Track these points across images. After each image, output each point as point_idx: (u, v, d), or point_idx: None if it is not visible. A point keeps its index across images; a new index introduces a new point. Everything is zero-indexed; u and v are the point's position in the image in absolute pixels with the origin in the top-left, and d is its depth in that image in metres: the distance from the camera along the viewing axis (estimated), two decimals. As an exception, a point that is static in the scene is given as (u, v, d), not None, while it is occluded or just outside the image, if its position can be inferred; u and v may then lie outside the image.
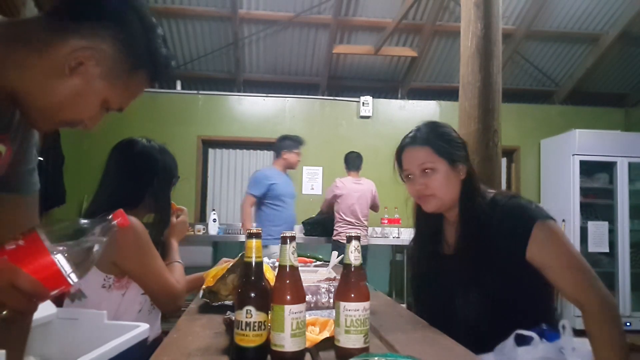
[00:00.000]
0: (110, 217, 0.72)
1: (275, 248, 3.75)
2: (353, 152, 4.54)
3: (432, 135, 1.34)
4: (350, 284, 0.91)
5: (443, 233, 1.41)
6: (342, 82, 5.68)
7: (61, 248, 0.63)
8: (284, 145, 4.07)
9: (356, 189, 4.36)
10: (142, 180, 1.48)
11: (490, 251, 1.24)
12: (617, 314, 1.13)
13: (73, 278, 0.64)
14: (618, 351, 1.08)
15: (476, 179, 1.36)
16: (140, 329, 0.90)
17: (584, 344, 1.07)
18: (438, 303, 1.36)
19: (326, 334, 0.99)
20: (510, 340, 0.95)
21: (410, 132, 1.40)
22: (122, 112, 0.88)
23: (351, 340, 0.88)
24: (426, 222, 1.42)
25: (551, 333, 1.08)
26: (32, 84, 0.77)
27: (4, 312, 0.62)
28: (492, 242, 1.24)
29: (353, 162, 4.48)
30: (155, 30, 0.85)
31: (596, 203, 5.02)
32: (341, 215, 4.31)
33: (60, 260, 0.62)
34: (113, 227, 0.72)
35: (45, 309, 0.80)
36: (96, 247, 0.68)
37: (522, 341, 1.05)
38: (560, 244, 1.20)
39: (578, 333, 1.02)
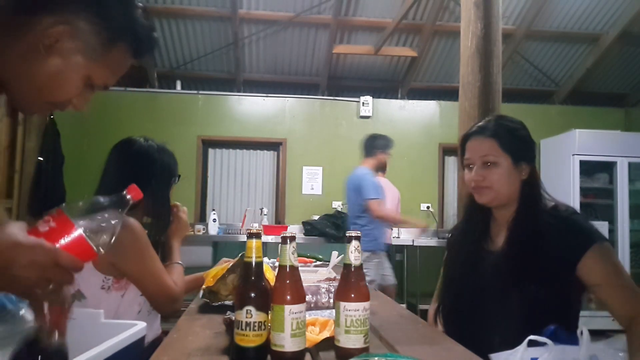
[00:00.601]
0: (124, 192, 0.76)
1: (381, 255, 3.68)
2: None
3: (501, 129, 1.31)
4: (350, 284, 0.91)
5: (490, 229, 1.38)
6: (342, 82, 5.68)
7: (86, 224, 0.70)
8: (378, 144, 3.85)
9: (389, 188, 4.37)
10: (140, 180, 1.47)
11: (539, 257, 1.22)
12: None
13: (101, 250, 0.71)
14: None
15: (539, 182, 1.32)
16: (136, 328, 0.89)
17: (603, 349, 1.05)
18: (469, 295, 1.34)
19: (326, 334, 0.98)
20: (522, 346, 0.94)
21: (479, 122, 1.37)
22: (107, 89, 0.87)
23: (351, 340, 0.88)
24: (476, 215, 1.39)
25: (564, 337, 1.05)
26: (12, 69, 0.76)
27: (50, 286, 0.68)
28: (544, 249, 1.22)
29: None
30: (133, 1, 0.84)
31: (596, 203, 5.02)
32: None
33: (89, 235, 0.69)
34: (128, 201, 0.77)
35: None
36: (115, 220, 0.73)
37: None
38: (614, 265, 1.20)
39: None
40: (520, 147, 1.30)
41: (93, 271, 1.34)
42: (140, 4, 0.86)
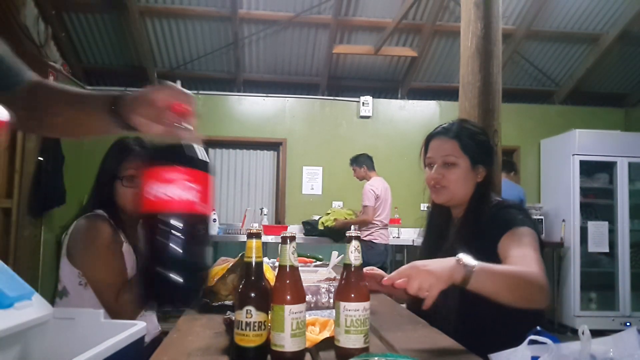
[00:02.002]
0: None
1: None
2: (364, 153, 4.53)
3: (463, 132, 1.39)
4: (350, 284, 0.91)
5: (449, 228, 1.46)
6: (342, 82, 5.68)
7: None
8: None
9: (385, 187, 4.39)
10: (98, 179, 1.47)
11: (476, 250, 1.25)
12: (542, 284, 1.09)
13: None
14: (511, 282, 1.05)
15: (491, 185, 1.41)
16: (136, 328, 0.89)
17: (601, 346, 1.04)
18: None
19: (326, 334, 0.98)
20: (523, 346, 0.95)
21: (444, 123, 1.45)
22: None
23: (351, 340, 0.88)
24: (437, 217, 1.48)
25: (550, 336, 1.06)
26: None
27: None
28: (480, 241, 1.28)
29: (371, 162, 4.50)
30: None
31: (596, 203, 5.02)
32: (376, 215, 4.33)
33: None
34: None
35: (41, 309, 0.80)
36: None
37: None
38: (521, 242, 1.22)
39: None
40: (478, 151, 1.37)
41: (69, 265, 1.34)
42: None
